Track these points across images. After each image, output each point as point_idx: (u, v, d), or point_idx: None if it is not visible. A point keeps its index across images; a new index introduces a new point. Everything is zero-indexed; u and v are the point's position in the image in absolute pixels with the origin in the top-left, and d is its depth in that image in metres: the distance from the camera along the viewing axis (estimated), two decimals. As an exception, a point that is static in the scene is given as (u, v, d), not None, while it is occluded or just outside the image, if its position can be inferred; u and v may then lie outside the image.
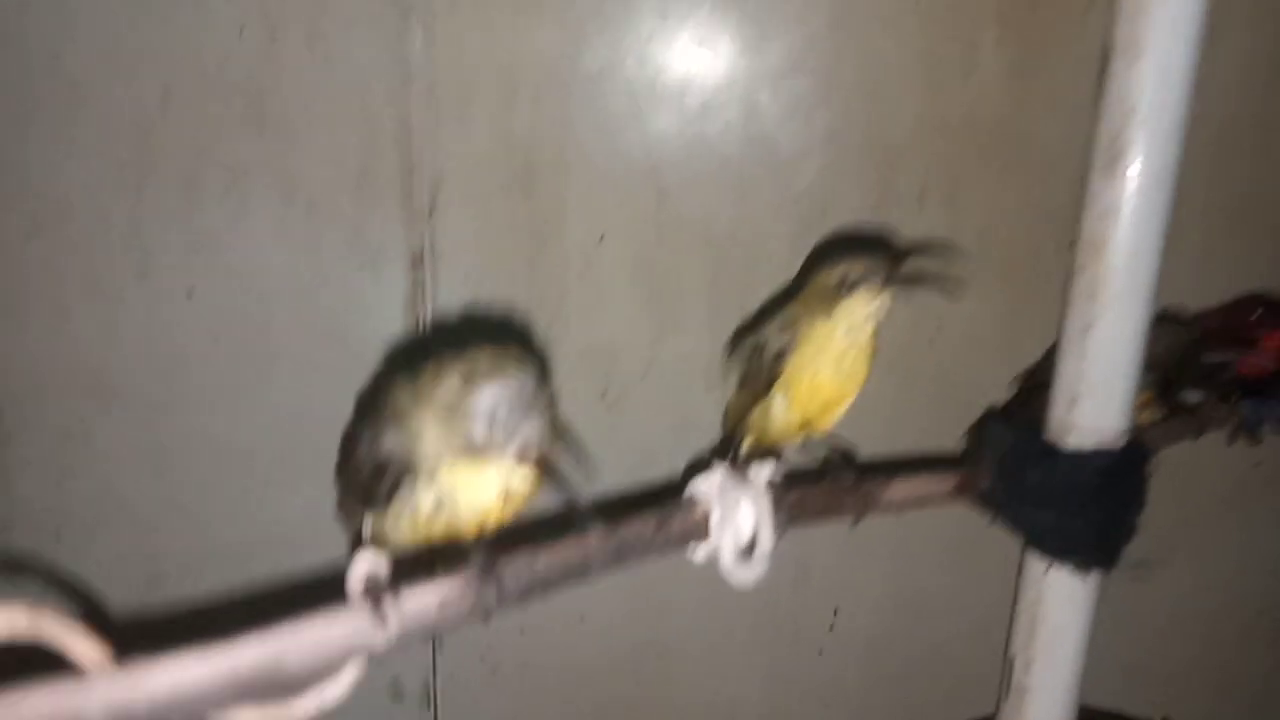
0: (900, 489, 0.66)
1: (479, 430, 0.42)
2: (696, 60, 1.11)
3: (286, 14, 1.06)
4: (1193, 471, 1.12)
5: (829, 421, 0.64)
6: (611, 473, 1.21)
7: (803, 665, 1.32)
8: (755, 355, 0.63)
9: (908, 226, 1.16)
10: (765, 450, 0.64)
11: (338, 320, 1.16)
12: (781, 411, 0.61)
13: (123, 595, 1.09)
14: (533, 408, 0.43)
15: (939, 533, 1.25)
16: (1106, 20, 0.66)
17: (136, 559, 1.17)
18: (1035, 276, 1.15)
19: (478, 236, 1.16)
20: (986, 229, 1.16)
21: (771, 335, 0.62)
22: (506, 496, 0.44)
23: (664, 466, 1.21)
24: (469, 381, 0.43)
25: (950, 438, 1.07)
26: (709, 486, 0.56)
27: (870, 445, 1.08)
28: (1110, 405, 0.70)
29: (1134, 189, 0.66)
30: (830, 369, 0.61)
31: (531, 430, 0.43)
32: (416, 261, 1.16)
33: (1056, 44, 1.09)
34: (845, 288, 0.61)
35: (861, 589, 1.29)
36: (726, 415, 0.69)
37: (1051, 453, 0.69)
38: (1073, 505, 0.68)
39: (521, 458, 0.43)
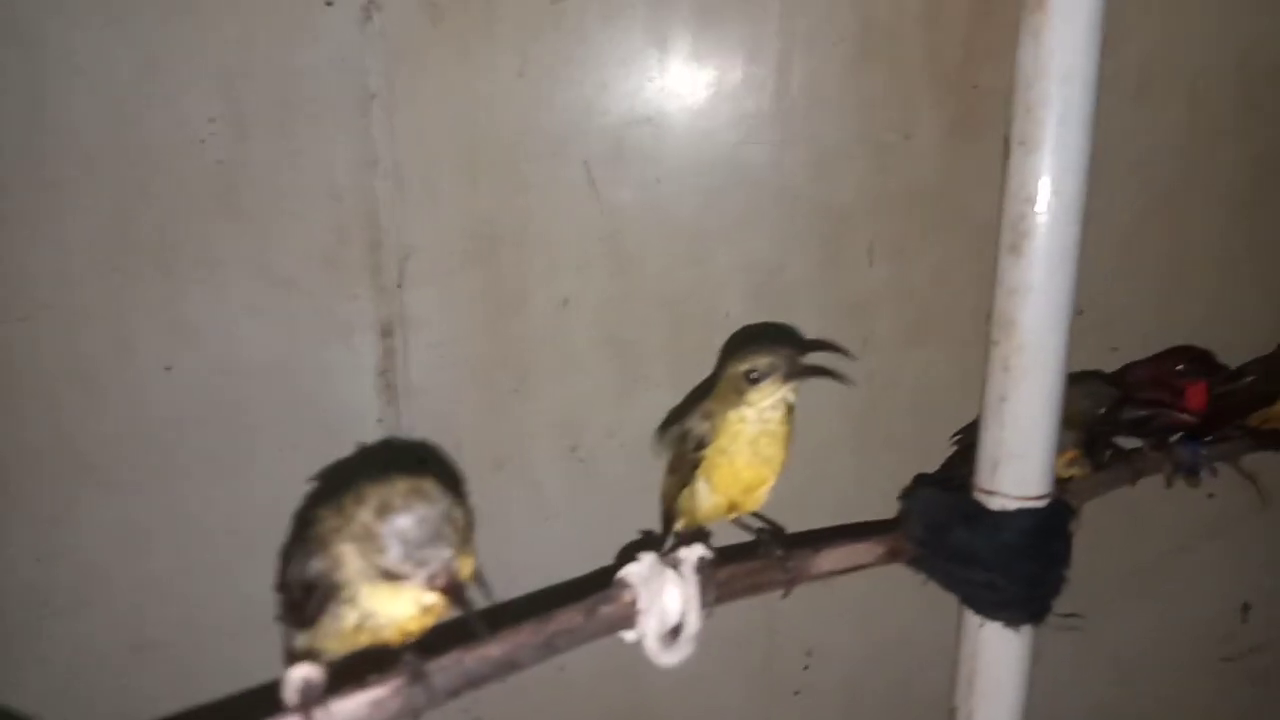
0: (830, 558, 0.69)
1: (392, 557, 0.46)
2: (651, 132, 1.16)
3: (253, 108, 1.11)
4: (1146, 514, 1.16)
5: (754, 502, 0.68)
6: (584, 525, 1.26)
7: (779, 706, 1.34)
8: (680, 443, 0.67)
9: (857, 285, 1.21)
10: (696, 531, 0.68)
11: (312, 392, 1.20)
12: (706, 496, 0.65)
13: (105, 672, 1.12)
14: (443, 536, 0.47)
15: (911, 574, 1.28)
16: (1007, 114, 0.71)
17: (121, 636, 1.20)
18: (977, 335, 1.19)
19: (445, 306, 1.20)
20: (930, 289, 1.20)
21: (693, 424, 0.66)
22: (424, 613, 0.48)
23: (635, 518, 1.24)
24: (383, 511, 0.47)
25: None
26: (636, 572, 0.59)
27: (821, 508, 1.12)
28: (1031, 468, 0.74)
29: (1038, 270, 0.70)
30: (746, 456, 0.65)
31: (441, 557, 0.46)
32: (387, 332, 1.20)
33: (987, 118, 1.14)
34: (752, 380, 0.65)
35: (835, 630, 1.32)
36: (661, 498, 0.73)
37: (977, 515, 0.73)
38: (1000, 564, 0.72)
39: (431, 583, 0.47)
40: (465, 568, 0.48)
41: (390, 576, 0.46)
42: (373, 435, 1.24)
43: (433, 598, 0.48)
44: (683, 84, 1.14)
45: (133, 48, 1.07)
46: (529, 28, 1.11)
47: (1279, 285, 1.17)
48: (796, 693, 1.34)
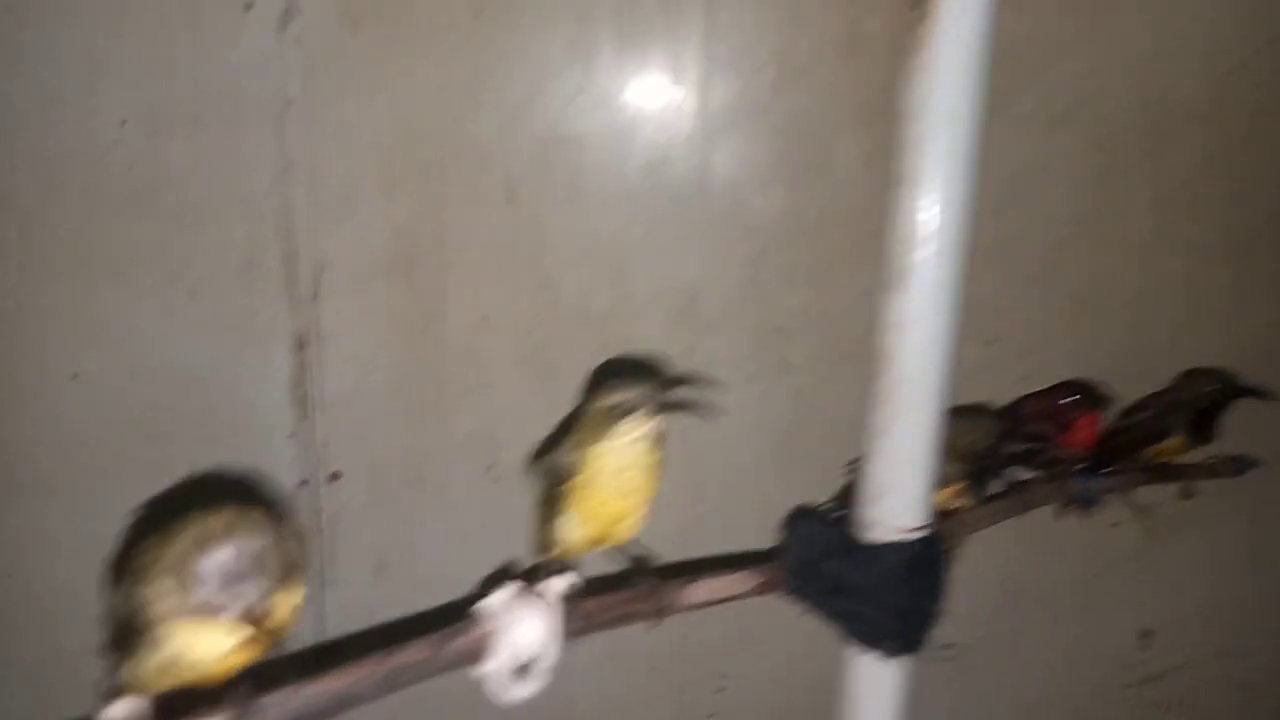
0: (704, 589, 0.69)
1: (205, 592, 0.45)
2: (574, 150, 1.16)
3: (167, 111, 1.09)
4: (1048, 543, 1.17)
5: (625, 533, 0.68)
6: (500, 544, 1.25)
7: (694, 730, 1.35)
8: (548, 475, 0.67)
9: (779, 307, 1.21)
10: (567, 563, 0.67)
11: (224, 402, 1.18)
12: (575, 528, 0.65)
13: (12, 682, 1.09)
14: (260, 571, 0.46)
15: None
16: (890, 151, 0.71)
17: (30, 646, 1.17)
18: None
19: (362, 319, 1.19)
20: (850, 311, 1.21)
21: (560, 456, 0.66)
22: (238, 650, 0.47)
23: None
24: (198, 544, 0.46)
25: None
26: (495, 604, 0.59)
27: (743, 529, 1.12)
28: (908, 501, 0.74)
29: (917, 306, 0.71)
30: (612, 488, 0.65)
31: (257, 593, 0.46)
32: (302, 344, 1.19)
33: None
34: (617, 414, 0.65)
35: (749, 654, 1.33)
36: (533, 529, 0.73)
37: (854, 546, 0.74)
38: (876, 596, 0.73)
39: (246, 619, 0.46)
40: (284, 605, 0.47)
41: (202, 612, 0.46)
42: (285, 448, 1.22)
43: (246, 636, 0.47)
44: (605, 103, 1.14)
45: (42, 47, 1.05)
46: (451, 41, 1.10)
47: (1181, 322, 1.20)
48: (711, 716, 1.34)
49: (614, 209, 1.18)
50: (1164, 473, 1.14)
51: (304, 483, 1.24)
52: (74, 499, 1.16)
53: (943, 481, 0.84)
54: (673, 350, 1.23)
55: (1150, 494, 1.18)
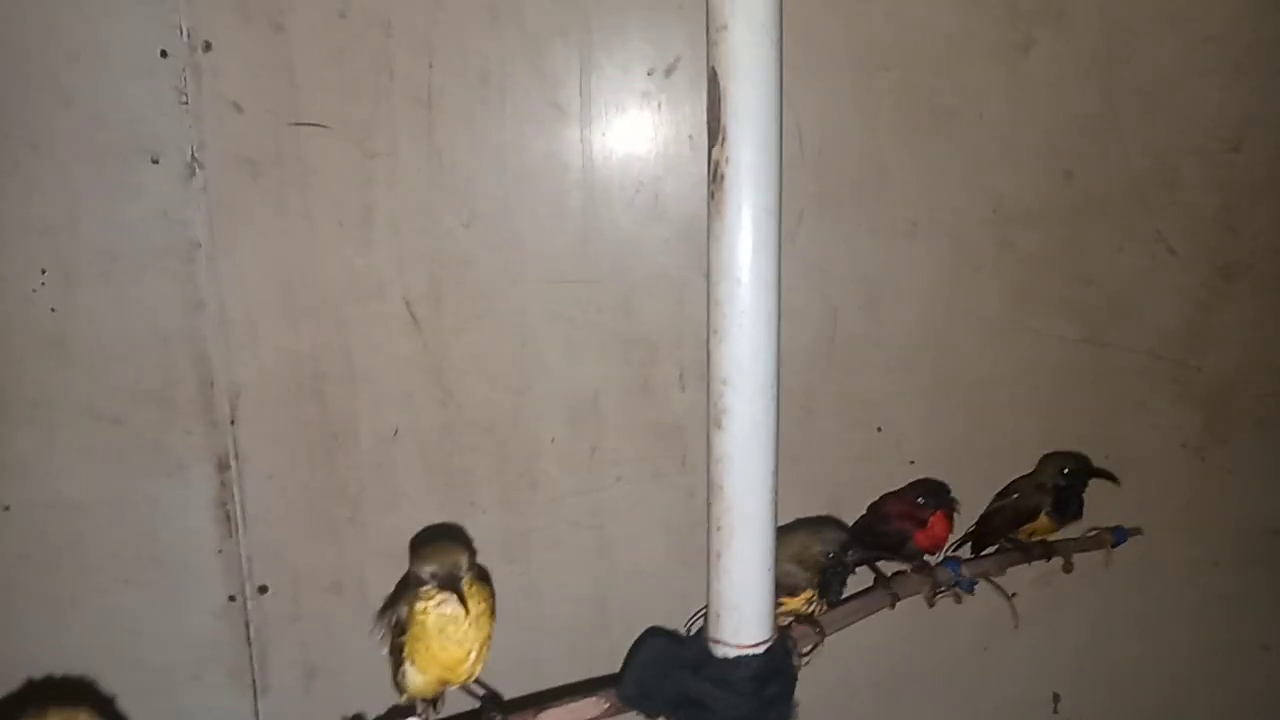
0: (552, 718, 0.76)
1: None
2: (469, 273, 1.23)
3: (82, 259, 1.17)
4: (951, 615, 1.23)
5: (465, 674, 0.75)
6: None
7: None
8: (388, 627, 0.74)
9: (671, 409, 1.29)
10: (420, 703, 0.74)
11: (151, 527, 1.24)
12: (415, 675, 0.72)
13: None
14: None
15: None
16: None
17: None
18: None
19: (278, 440, 1.25)
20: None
21: (397, 609, 0.74)
22: None
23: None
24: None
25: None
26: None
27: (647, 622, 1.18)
28: (748, 618, 0.81)
29: (737, 443, 0.79)
30: (437, 643, 0.72)
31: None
32: (223, 465, 1.25)
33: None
34: (423, 581, 0.73)
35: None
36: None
37: (701, 663, 0.80)
38: (723, 710, 0.79)
39: None
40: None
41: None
42: (214, 565, 1.28)
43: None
44: (495, 229, 1.22)
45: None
46: (344, 183, 1.18)
47: (1039, 407, 1.28)
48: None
49: (510, 322, 1.25)
50: (1041, 549, 1.21)
51: (232, 598, 1.30)
52: (3, 633, 1.21)
53: (793, 589, 0.91)
54: (578, 447, 1.30)
55: (1032, 571, 1.24)
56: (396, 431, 1.27)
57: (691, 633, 0.84)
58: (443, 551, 0.75)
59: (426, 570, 0.73)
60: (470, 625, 0.73)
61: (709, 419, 0.80)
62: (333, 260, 1.21)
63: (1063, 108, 1.22)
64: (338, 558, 1.29)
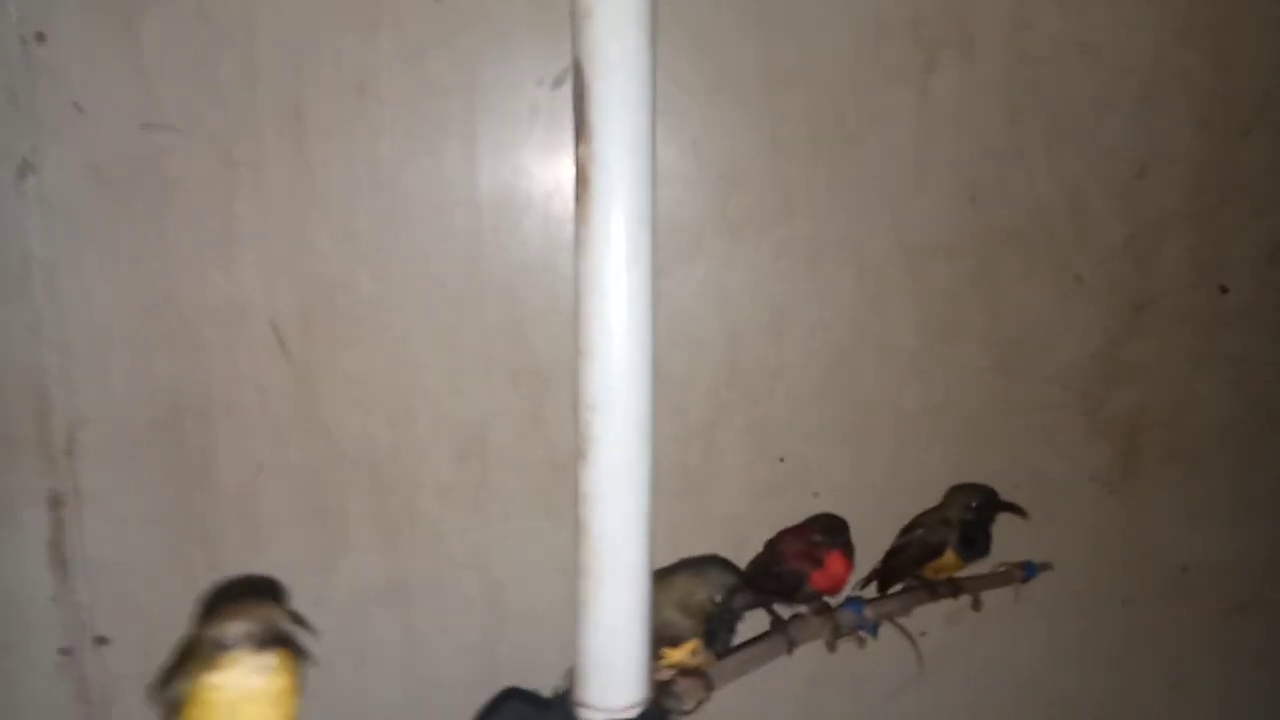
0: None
1: None
2: (343, 296, 1.14)
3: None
4: (861, 660, 1.16)
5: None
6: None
7: None
8: (164, 704, 0.63)
9: (563, 443, 1.20)
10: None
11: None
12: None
13: None
14: None
15: None
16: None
17: None
18: (684, 486, 1.22)
19: (125, 476, 1.14)
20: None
21: (176, 685, 0.63)
22: None
23: (343, 691, 1.19)
24: None
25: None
26: None
27: (546, 671, 1.08)
28: (621, 677, 0.72)
29: (604, 478, 0.71)
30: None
31: None
32: (57, 502, 1.13)
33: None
34: (221, 647, 0.62)
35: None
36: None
37: (566, 729, 0.71)
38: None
39: None
40: None
41: None
42: (48, 613, 1.15)
43: None
44: (373, 249, 1.13)
45: None
46: (204, 194, 1.08)
47: (947, 438, 1.23)
48: None
49: (390, 349, 1.16)
50: (948, 588, 1.15)
51: (66, 650, 1.16)
52: None
53: (675, 640, 0.83)
54: (464, 483, 1.20)
55: (941, 609, 1.19)
56: (261, 467, 1.15)
57: (557, 694, 0.74)
58: (252, 608, 0.64)
59: (230, 631, 0.61)
60: (271, 702, 0.63)
61: (576, 450, 0.72)
62: (191, 279, 1.10)
63: (969, 134, 1.18)
64: (194, 606, 1.16)
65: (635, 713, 0.72)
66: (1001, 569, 1.21)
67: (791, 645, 0.97)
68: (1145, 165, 1.22)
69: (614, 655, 0.72)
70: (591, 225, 0.68)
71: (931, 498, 1.18)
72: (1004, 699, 1.36)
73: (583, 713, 0.72)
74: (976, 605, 1.18)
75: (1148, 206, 1.23)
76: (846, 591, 1.07)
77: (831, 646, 1.01)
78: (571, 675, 0.74)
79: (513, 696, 0.74)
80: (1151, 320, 1.26)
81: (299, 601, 1.18)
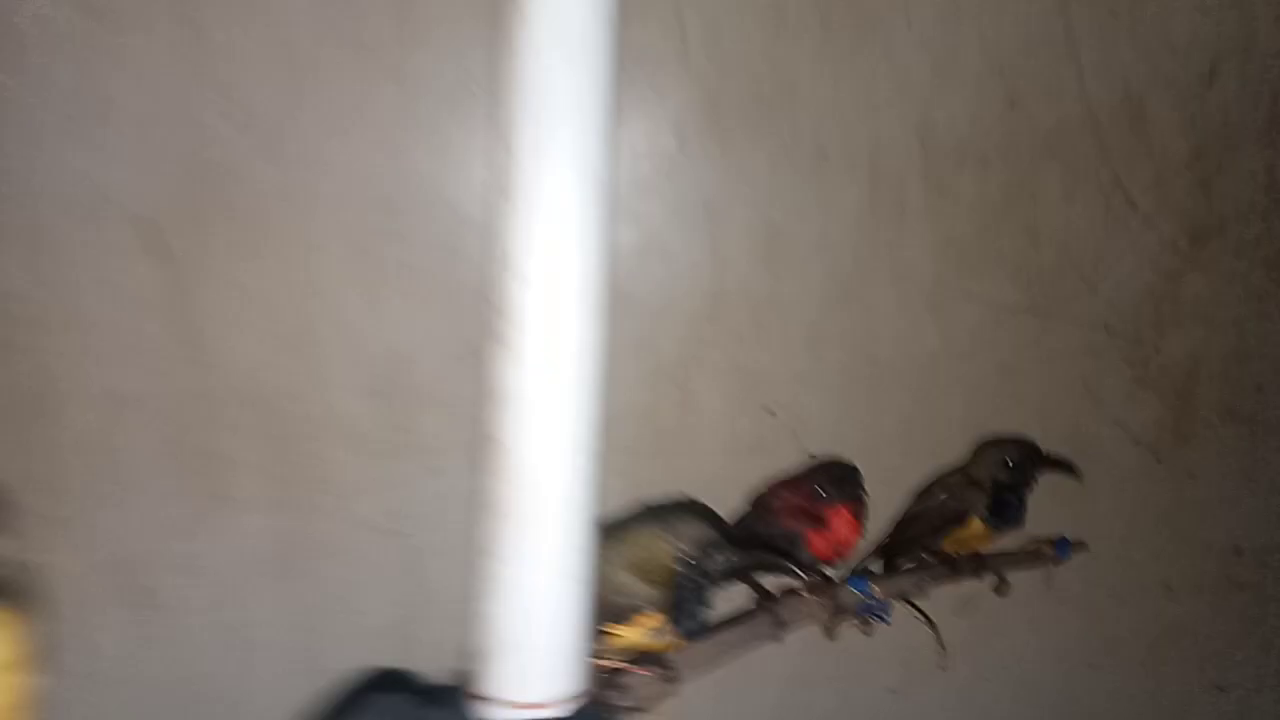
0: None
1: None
2: (234, 187, 0.92)
3: None
4: (858, 656, 0.97)
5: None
6: (155, 689, 0.97)
7: None
8: None
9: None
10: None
11: None
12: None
13: None
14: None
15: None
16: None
17: None
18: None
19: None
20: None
21: None
22: None
23: (219, 677, 0.98)
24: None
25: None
26: None
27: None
28: (544, 662, 0.51)
29: (530, 375, 0.50)
30: None
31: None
32: None
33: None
34: None
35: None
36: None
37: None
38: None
39: None
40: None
41: None
42: None
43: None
44: (280, 137, 0.93)
45: None
46: (76, 64, 0.87)
47: (975, 384, 1.04)
48: None
49: (295, 260, 0.95)
50: (972, 565, 0.95)
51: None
52: None
53: (629, 613, 0.61)
54: (381, 428, 0.99)
55: (959, 591, 1.00)
56: (121, 399, 0.93)
57: (448, 684, 0.53)
58: None
59: None
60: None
61: (490, 334, 0.51)
62: (50, 164, 0.88)
63: (1008, 20, 0.99)
64: (37, 570, 0.93)
65: (562, 712, 0.50)
66: (1033, 545, 1.02)
67: (781, 628, 0.75)
68: (1216, 67, 1.04)
69: (534, 631, 0.50)
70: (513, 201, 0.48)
71: (947, 454, 1.00)
72: (1021, 703, 1.17)
73: (482, 709, 0.50)
74: (1002, 588, 0.99)
75: (1216, 117, 1.06)
76: (852, 562, 0.86)
77: (830, 632, 0.80)
78: (470, 655, 0.53)
79: (384, 684, 0.51)
80: (1214, 254, 1.09)
81: (164, 569, 0.96)
